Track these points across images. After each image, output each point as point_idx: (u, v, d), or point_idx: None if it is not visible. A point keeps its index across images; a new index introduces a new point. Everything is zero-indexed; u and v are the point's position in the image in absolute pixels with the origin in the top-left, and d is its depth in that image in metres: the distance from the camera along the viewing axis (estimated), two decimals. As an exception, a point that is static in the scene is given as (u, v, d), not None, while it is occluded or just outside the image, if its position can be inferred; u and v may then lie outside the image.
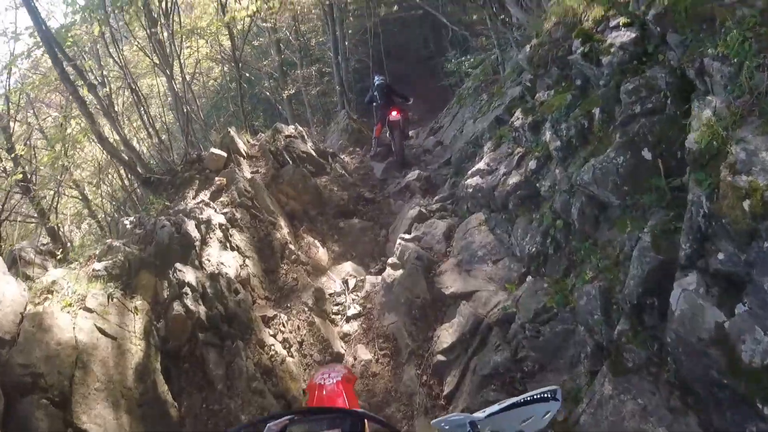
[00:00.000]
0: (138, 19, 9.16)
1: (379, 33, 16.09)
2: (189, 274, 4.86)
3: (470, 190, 6.42)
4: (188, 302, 4.61)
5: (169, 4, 9.19)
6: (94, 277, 4.59)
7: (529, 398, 1.48)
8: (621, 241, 4.31)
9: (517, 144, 6.26)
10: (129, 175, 9.91)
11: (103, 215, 11.61)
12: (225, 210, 6.47)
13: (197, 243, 5.32)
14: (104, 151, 8.48)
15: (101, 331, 4.15)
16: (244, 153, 8.65)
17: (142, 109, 9.31)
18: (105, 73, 8.97)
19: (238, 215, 6.35)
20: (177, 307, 4.55)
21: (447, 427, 1.52)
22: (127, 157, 7.99)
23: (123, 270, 4.71)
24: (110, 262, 4.69)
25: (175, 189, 7.52)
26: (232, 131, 8.86)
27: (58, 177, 10.03)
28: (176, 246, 5.13)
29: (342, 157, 10.86)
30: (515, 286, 5.11)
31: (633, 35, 4.62)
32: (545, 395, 1.50)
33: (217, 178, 7.20)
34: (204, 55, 14.29)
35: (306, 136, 10.28)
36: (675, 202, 4.08)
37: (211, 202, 6.77)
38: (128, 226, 5.74)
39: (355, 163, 10.89)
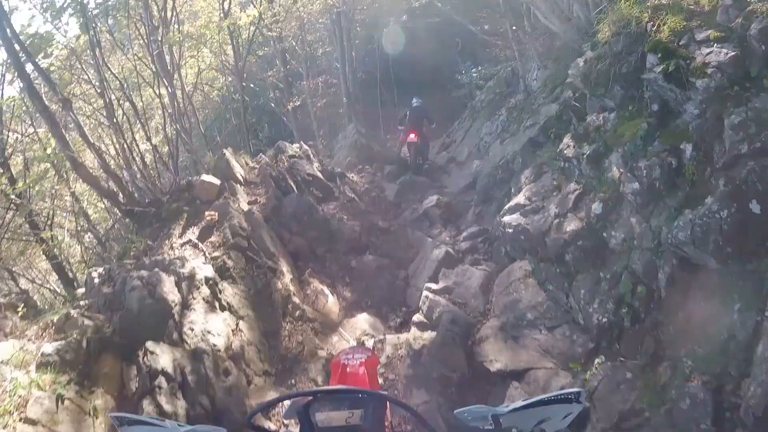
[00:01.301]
0: (128, 25, 8.18)
1: (387, 43, 15.17)
2: (164, 357, 3.77)
3: (510, 231, 5.33)
4: (162, 399, 3.52)
5: (168, 14, 8.17)
6: (43, 365, 3.53)
7: (552, 397, 1.48)
8: (728, 323, 3.27)
9: (565, 177, 5.20)
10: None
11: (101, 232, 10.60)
12: (215, 254, 5.40)
13: (176, 308, 4.22)
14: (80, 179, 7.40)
15: (46, 449, 3.12)
16: (241, 179, 7.61)
17: (138, 123, 8.30)
18: (105, 84, 7.97)
19: (230, 262, 5.27)
20: (148, 406, 3.47)
21: (469, 417, 1.58)
22: (107, 186, 6.94)
23: (79, 353, 3.63)
24: (63, 343, 3.61)
25: (161, 223, 6.43)
26: (228, 153, 7.81)
27: (52, 193, 9.11)
28: (148, 316, 4.03)
29: (351, 176, 9.82)
30: (580, 366, 4.03)
31: (731, 53, 3.57)
32: (569, 396, 1.48)
33: (207, 213, 6.12)
34: (207, 65, 13.40)
35: (312, 156, 9.25)
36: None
37: (200, 243, 5.70)
38: (96, 281, 4.69)
39: (365, 183, 9.86)
